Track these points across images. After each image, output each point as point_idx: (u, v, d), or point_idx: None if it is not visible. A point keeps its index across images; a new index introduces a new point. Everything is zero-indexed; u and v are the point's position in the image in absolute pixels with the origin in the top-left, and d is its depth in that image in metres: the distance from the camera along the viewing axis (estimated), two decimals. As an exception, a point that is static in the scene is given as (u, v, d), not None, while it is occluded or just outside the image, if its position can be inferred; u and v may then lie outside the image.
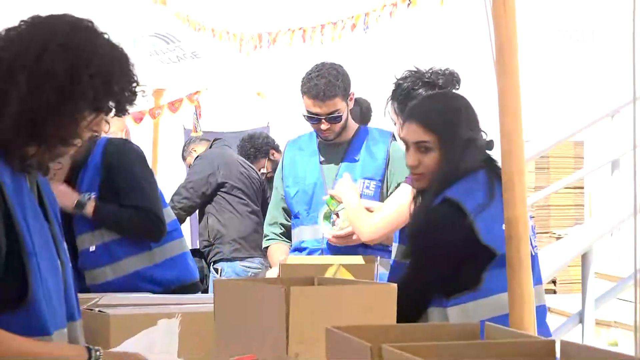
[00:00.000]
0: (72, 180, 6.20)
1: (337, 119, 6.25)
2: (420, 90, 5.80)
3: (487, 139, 4.98)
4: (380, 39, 12.05)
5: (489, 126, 4.51)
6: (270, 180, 9.38)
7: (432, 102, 5.15)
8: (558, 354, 2.78)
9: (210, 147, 10.67)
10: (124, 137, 7.50)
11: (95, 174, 6.19)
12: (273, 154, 11.03)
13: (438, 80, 5.83)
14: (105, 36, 3.67)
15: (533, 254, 4.78)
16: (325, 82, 6.20)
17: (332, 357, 3.24)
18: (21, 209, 3.35)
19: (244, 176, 10.51)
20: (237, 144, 11.35)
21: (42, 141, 3.45)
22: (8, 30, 3.54)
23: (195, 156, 10.74)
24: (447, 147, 4.83)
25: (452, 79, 5.86)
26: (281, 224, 6.58)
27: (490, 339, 3.15)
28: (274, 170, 8.89)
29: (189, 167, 11.05)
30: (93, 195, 6.16)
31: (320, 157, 6.42)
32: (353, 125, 6.44)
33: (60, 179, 6.10)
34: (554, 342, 2.83)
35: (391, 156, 6.29)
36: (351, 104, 6.33)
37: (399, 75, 5.86)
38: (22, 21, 3.56)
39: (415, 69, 5.84)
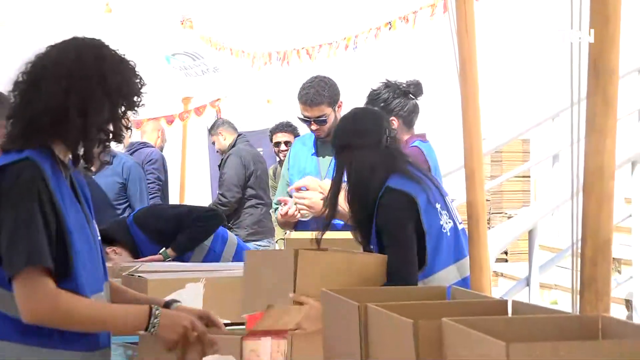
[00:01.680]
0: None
1: (323, 122, 6.28)
2: (398, 99, 5.82)
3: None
4: (367, 55, 12.03)
5: (453, 126, 4.49)
6: None
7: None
8: (510, 311, 2.77)
9: (235, 142, 10.61)
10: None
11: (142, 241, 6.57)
12: None
13: (410, 89, 5.86)
14: (118, 52, 3.58)
15: (460, 229, 4.72)
16: (314, 92, 6.26)
17: (326, 314, 3.23)
18: (61, 196, 3.34)
19: (262, 172, 10.55)
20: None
21: (95, 140, 3.46)
22: (52, 50, 3.53)
23: (224, 145, 10.66)
24: None
25: (419, 88, 5.89)
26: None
27: (456, 299, 3.15)
28: None
29: (214, 143, 10.97)
30: (168, 251, 6.42)
31: (317, 151, 6.45)
32: None
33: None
34: (506, 301, 2.83)
35: None
36: (339, 110, 6.35)
37: (375, 86, 5.87)
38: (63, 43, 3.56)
39: (387, 81, 5.86)
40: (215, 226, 6.65)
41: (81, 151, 3.46)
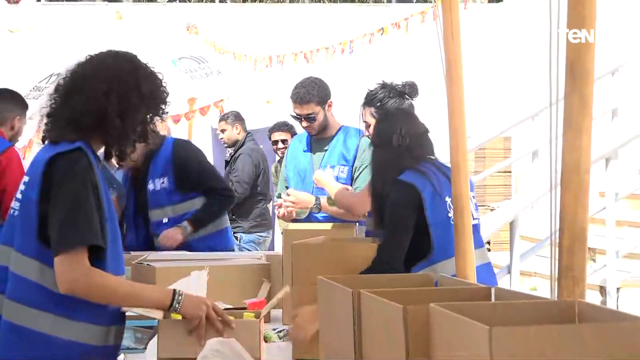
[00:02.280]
0: (145, 165, 6.44)
1: (312, 119, 6.35)
2: (393, 99, 5.81)
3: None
4: (362, 59, 12.03)
5: (441, 125, 4.49)
6: None
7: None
8: (493, 297, 2.77)
9: (244, 140, 10.62)
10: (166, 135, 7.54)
11: (167, 162, 6.45)
12: None
13: (405, 89, 5.85)
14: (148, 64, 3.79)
15: (476, 223, 4.79)
16: (304, 91, 6.34)
17: (321, 300, 3.23)
18: (103, 187, 3.53)
19: (266, 170, 10.60)
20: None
21: (130, 140, 3.66)
22: (90, 60, 3.73)
23: (233, 136, 10.65)
24: None
25: (414, 88, 5.88)
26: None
27: (442, 286, 3.14)
28: None
29: (222, 131, 10.86)
30: (186, 224, 6.45)
31: (310, 148, 6.50)
32: (335, 124, 6.46)
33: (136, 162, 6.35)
34: (489, 288, 2.83)
35: (360, 148, 6.32)
36: (329, 109, 6.39)
37: (371, 87, 5.86)
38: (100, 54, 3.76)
39: (384, 82, 5.85)
40: (230, 206, 6.74)
41: (116, 149, 3.66)
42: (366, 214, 5.74)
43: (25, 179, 3.57)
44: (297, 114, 6.40)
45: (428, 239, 4.68)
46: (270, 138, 10.89)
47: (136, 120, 3.63)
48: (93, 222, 3.42)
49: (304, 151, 6.55)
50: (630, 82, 11.96)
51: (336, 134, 6.45)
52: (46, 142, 3.62)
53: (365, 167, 6.18)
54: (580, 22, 2.99)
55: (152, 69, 3.74)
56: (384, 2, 19.98)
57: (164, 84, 3.75)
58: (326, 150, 6.42)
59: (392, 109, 5.55)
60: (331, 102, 6.42)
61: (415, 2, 17.87)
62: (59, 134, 3.56)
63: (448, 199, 4.71)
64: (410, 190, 4.64)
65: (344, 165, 6.29)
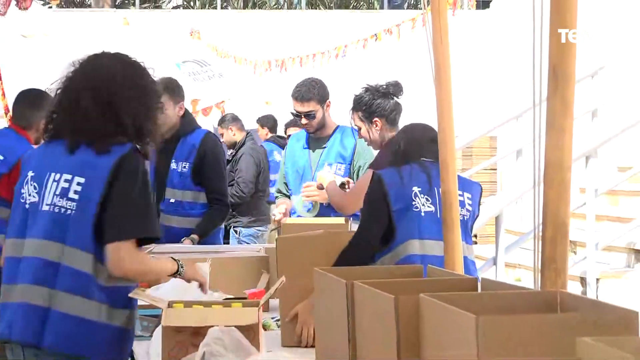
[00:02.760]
0: (169, 146, 6.26)
1: (312, 117, 6.37)
2: (378, 100, 5.81)
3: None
4: (356, 63, 12.05)
5: (430, 124, 4.51)
6: None
7: None
8: (479, 287, 2.77)
9: (245, 140, 10.63)
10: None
11: (192, 149, 6.35)
12: None
13: (389, 89, 5.85)
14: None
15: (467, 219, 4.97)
16: (305, 90, 6.38)
17: (317, 291, 3.22)
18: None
19: (265, 168, 10.60)
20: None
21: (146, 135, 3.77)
22: (95, 61, 3.84)
23: (231, 138, 10.67)
24: None
25: (398, 87, 5.89)
26: (283, 193, 6.68)
27: (431, 277, 3.14)
28: None
29: (221, 135, 10.89)
30: (194, 236, 6.34)
31: (309, 145, 6.50)
32: (332, 124, 6.47)
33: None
34: (476, 279, 2.83)
35: (357, 147, 6.33)
36: (328, 108, 6.40)
37: (357, 93, 5.88)
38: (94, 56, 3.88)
39: (367, 86, 5.87)
40: (226, 215, 6.72)
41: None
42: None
43: (80, 179, 3.60)
44: (297, 112, 6.41)
45: (392, 226, 4.74)
46: (285, 133, 10.91)
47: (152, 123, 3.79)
48: (153, 215, 3.70)
49: (304, 148, 6.56)
50: (609, 85, 11.96)
51: (333, 133, 6.46)
52: (94, 144, 3.66)
53: (366, 163, 6.21)
54: (563, 28, 2.99)
55: (142, 64, 3.85)
56: (376, 9, 19.96)
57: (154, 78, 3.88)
58: (324, 147, 6.43)
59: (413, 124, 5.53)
60: (329, 102, 6.43)
61: (406, 9, 17.86)
62: (105, 137, 3.65)
63: (416, 189, 4.77)
64: (379, 183, 4.73)
65: (341, 164, 6.31)
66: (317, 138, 6.47)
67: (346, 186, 6.07)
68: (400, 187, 4.73)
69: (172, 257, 3.88)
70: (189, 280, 3.92)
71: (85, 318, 3.56)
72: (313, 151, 6.48)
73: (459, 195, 4.90)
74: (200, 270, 4.00)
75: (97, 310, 3.58)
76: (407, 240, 4.73)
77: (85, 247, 3.55)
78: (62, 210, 3.59)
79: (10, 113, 6.53)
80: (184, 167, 6.26)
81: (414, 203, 4.76)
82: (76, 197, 3.59)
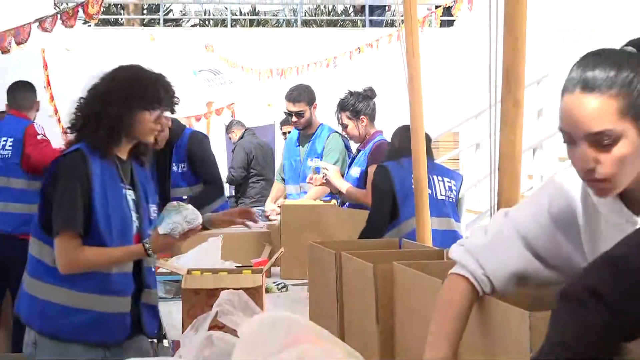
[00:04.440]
0: (168, 150, 5.91)
1: (301, 116, 6.37)
2: (362, 102, 5.84)
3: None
4: (344, 72, 12.03)
5: (404, 122, 4.52)
6: None
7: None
8: (445, 257, 2.76)
9: (244, 135, 10.66)
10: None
11: (183, 150, 5.94)
12: None
13: (368, 92, 5.91)
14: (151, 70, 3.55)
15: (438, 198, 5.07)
16: (297, 93, 6.42)
17: (311, 261, 3.22)
18: (102, 181, 3.32)
19: (263, 153, 10.56)
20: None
21: (128, 136, 3.42)
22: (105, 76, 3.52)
23: (236, 139, 10.74)
24: None
25: (373, 91, 5.96)
26: (282, 178, 6.68)
27: (405, 249, 3.14)
28: None
29: (231, 139, 10.98)
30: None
31: (299, 141, 6.54)
32: (317, 122, 6.49)
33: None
34: (442, 250, 2.82)
35: (327, 143, 6.38)
36: (314, 110, 6.41)
37: (342, 96, 5.92)
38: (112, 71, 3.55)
39: (350, 91, 5.92)
40: (217, 197, 6.31)
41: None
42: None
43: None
44: (289, 111, 6.44)
45: (396, 207, 4.89)
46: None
47: (122, 119, 3.39)
48: (73, 211, 3.26)
49: (295, 145, 6.60)
50: (552, 89, 12.00)
51: (316, 130, 6.50)
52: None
53: (330, 150, 6.33)
54: (514, 38, 2.98)
55: (148, 72, 3.52)
56: (360, 27, 19.96)
57: (161, 81, 3.50)
58: (309, 143, 6.48)
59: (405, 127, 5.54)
60: (316, 104, 6.45)
61: (385, 27, 17.86)
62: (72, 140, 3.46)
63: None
64: (385, 172, 4.91)
65: (318, 158, 6.33)
66: (305, 135, 6.49)
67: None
68: (402, 175, 4.85)
69: (143, 244, 3.37)
70: (160, 252, 3.51)
71: (46, 300, 3.36)
72: (302, 146, 6.53)
73: (447, 181, 5.01)
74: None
75: (35, 285, 3.39)
76: (409, 218, 4.82)
77: (36, 234, 3.40)
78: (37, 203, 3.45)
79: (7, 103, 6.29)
80: (183, 167, 6.01)
81: (413, 187, 4.75)
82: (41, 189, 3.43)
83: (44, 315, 3.36)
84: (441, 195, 5.07)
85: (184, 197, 5.90)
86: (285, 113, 6.60)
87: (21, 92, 6.24)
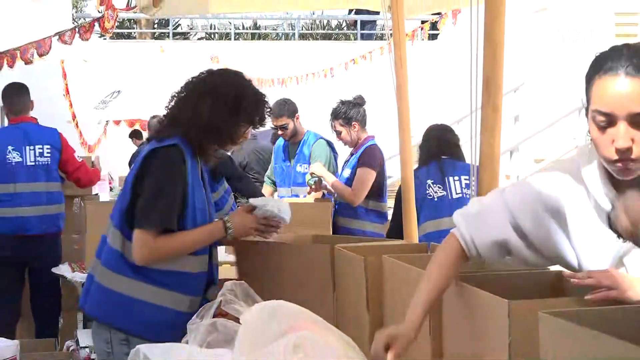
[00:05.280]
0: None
1: (285, 128, 6.32)
2: (354, 109, 5.84)
3: None
4: (340, 81, 12.03)
5: (393, 128, 4.52)
6: None
7: None
8: (429, 251, 2.76)
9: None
10: None
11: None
12: None
13: (358, 100, 5.91)
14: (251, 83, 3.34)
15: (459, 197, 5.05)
16: (278, 109, 6.26)
17: (338, 269, 3.20)
18: (192, 178, 3.05)
19: (258, 158, 10.53)
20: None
21: (221, 142, 3.22)
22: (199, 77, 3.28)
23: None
24: None
25: (362, 98, 5.96)
26: (272, 182, 6.63)
27: (393, 244, 3.13)
28: None
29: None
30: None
31: (288, 148, 6.54)
32: (303, 130, 6.48)
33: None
34: (426, 244, 2.81)
35: (313, 149, 6.38)
36: (297, 120, 6.39)
37: (334, 106, 5.92)
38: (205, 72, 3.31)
39: (341, 100, 5.92)
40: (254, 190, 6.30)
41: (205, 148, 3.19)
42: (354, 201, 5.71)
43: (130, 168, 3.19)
44: (274, 125, 6.43)
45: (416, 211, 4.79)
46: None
47: (222, 124, 3.14)
48: (172, 209, 3.00)
49: (283, 157, 6.56)
50: (528, 96, 12.01)
51: (302, 138, 6.52)
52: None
53: (316, 157, 6.23)
54: (493, 49, 2.98)
55: (254, 87, 3.30)
56: (352, 40, 19.98)
57: (265, 101, 3.28)
58: (296, 151, 6.49)
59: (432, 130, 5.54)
60: (298, 115, 6.46)
61: (375, 40, 17.89)
62: (164, 132, 3.14)
63: (430, 181, 5.04)
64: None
65: (305, 163, 6.32)
66: (293, 143, 6.49)
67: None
68: (417, 184, 4.76)
69: (223, 220, 3.13)
70: (239, 238, 3.18)
71: (111, 289, 3.04)
72: (291, 155, 6.54)
73: (465, 179, 5.02)
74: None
75: (121, 283, 3.03)
76: (425, 222, 4.94)
77: (118, 226, 3.05)
78: (120, 194, 3.16)
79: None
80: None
81: (427, 192, 5.01)
82: (125, 181, 3.14)
83: (129, 312, 3.05)
84: (457, 194, 5.09)
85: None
86: (272, 127, 6.60)
87: (22, 96, 5.94)
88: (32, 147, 5.75)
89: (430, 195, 5.02)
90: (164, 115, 3.25)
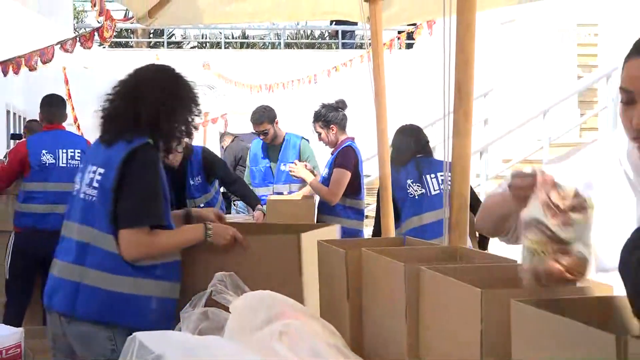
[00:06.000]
0: (182, 166, 5.82)
1: (266, 133, 6.46)
2: (332, 113, 5.86)
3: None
4: (323, 87, 12.02)
5: (371, 130, 4.51)
6: None
7: None
8: (405, 244, 2.75)
9: (233, 141, 10.67)
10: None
11: (199, 163, 5.87)
12: None
13: (338, 105, 5.91)
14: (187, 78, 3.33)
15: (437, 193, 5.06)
16: (258, 115, 6.44)
17: (321, 262, 3.19)
18: (161, 172, 3.02)
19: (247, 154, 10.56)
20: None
21: (183, 135, 3.20)
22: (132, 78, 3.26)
23: (226, 145, 10.79)
24: None
25: (343, 102, 5.97)
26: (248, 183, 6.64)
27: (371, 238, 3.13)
28: None
29: (223, 147, 11.10)
30: (260, 207, 5.91)
31: (267, 150, 6.54)
32: (282, 134, 6.51)
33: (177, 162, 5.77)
34: (402, 238, 2.81)
35: (302, 148, 6.39)
36: (277, 125, 6.44)
37: (316, 109, 5.92)
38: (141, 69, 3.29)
39: (323, 103, 5.93)
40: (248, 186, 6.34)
41: (164, 146, 3.14)
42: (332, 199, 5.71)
43: (101, 170, 3.02)
44: (256, 131, 6.47)
45: (397, 210, 4.90)
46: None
47: (181, 121, 3.15)
48: (162, 205, 2.97)
49: (262, 151, 6.60)
50: (496, 101, 12.04)
51: (284, 140, 6.54)
52: (115, 140, 3.07)
53: (308, 157, 6.35)
54: (465, 58, 2.98)
55: (185, 77, 3.31)
56: (334, 49, 19.97)
57: (195, 89, 3.29)
58: (279, 152, 6.51)
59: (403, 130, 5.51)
60: (277, 120, 6.53)
61: (356, 49, 17.90)
62: (127, 133, 3.05)
63: (409, 181, 5.04)
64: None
65: (290, 163, 6.33)
66: (273, 145, 6.54)
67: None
68: (397, 182, 4.87)
69: (204, 224, 3.12)
70: (218, 244, 3.10)
71: (113, 290, 2.97)
72: (271, 154, 6.55)
73: (441, 175, 5.05)
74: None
75: (124, 283, 2.97)
76: (408, 219, 4.98)
77: (107, 229, 2.95)
78: (90, 197, 3.02)
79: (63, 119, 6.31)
80: (198, 180, 5.93)
81: (409, 191, 5.02)
82: (97, 185, 3.00)
83: (134, 308, 3.00)
84: (435, 190, 5.07)
85: (201, 205, 5.83)
86: (254, 132, 6.65)
87: (58, 108, 6.28)
88: (64, 151, 5.97)
89: (411, 194, 5.03)
90: (105, 115, 3.17)
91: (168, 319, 2.78)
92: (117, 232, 2.95)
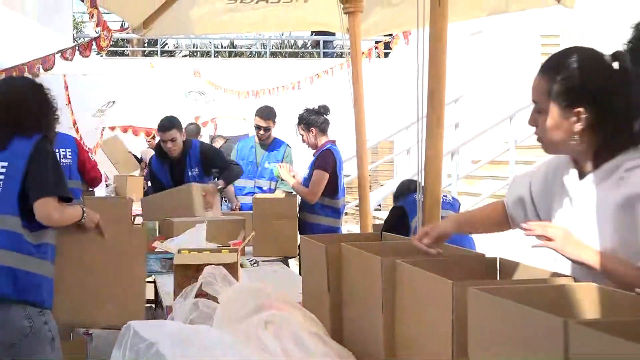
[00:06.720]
0: (183, 157, 5.98)
1: (268, 130, 6.42)
2: (313, 116, 5.84)
3: None
4: (306, 93, 11.99)
5: (351, 133, 4.50)
6: None
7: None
8: (382, 240, 2.74)
9: (225, 142, 10.63)
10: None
11: (197, 157, 5.98)
12: None
13: (320, 109, 5.89)
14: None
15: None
16: (268, 111, 6.41)
17: (304, 256, 3.18)
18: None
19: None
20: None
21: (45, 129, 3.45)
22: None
23: (219, 146, 10.74)
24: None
25: (326, 108, 5.93)
26: None
27: (351, 234, 3.12)
28: None
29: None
30: (220, 182, 5.92)
31: (255, 148, 6.51)
32: (272, 135, 6.52)
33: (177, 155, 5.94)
34: (379, 234, 2.79)
35: (286, 153, 6.42)
36: (274, 125, 6.42)
37: (300, 113, 5.91)
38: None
39: (306, 108, 5.91)
40: (240, 174, 6.26)
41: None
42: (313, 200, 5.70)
43: (4, 163, 3.25)
44: (259, 125, 6.43)
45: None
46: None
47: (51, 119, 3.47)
48: (65, 181, 3.31)
49: (251, 148, 6.57)
50: (466, 107, 12.07)
51: (272, 142, 6.55)
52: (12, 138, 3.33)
53: (290, 160, 6.38)
54: (437, 67, 2.98)
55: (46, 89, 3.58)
56: (316, 58, 19.98)
57: (52, 99, 3.56)
58: (266, 150, 6.49)
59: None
60: (276, 121, 6.53)
61: (336, 58, 17.91)
62: (18, 134, 3.32)
63: (414, 221, 4.97)
64: (402, 210, 4.71)
65: (275, 163, 6.34)
66: (262, 144, 6.51)
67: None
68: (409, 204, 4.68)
69: (82, 208, 3.41)
70: (88, 225, 3.43)
71: (19, 268, 3.16)
72: (258, 150, 6.53)
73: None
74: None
75: (28, 262, 3.17)
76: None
77: (13, 212, 3.17)
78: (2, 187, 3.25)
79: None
80: (196, 171, 6.02)
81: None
82: (2, 177, 3.23)
83: (42, 286, 3.22)
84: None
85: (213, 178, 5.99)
86: (255, 127, 6.54)
87: None
88: (57, 150, 5.91)
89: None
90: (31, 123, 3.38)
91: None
92: (25, 213, 3.17)
